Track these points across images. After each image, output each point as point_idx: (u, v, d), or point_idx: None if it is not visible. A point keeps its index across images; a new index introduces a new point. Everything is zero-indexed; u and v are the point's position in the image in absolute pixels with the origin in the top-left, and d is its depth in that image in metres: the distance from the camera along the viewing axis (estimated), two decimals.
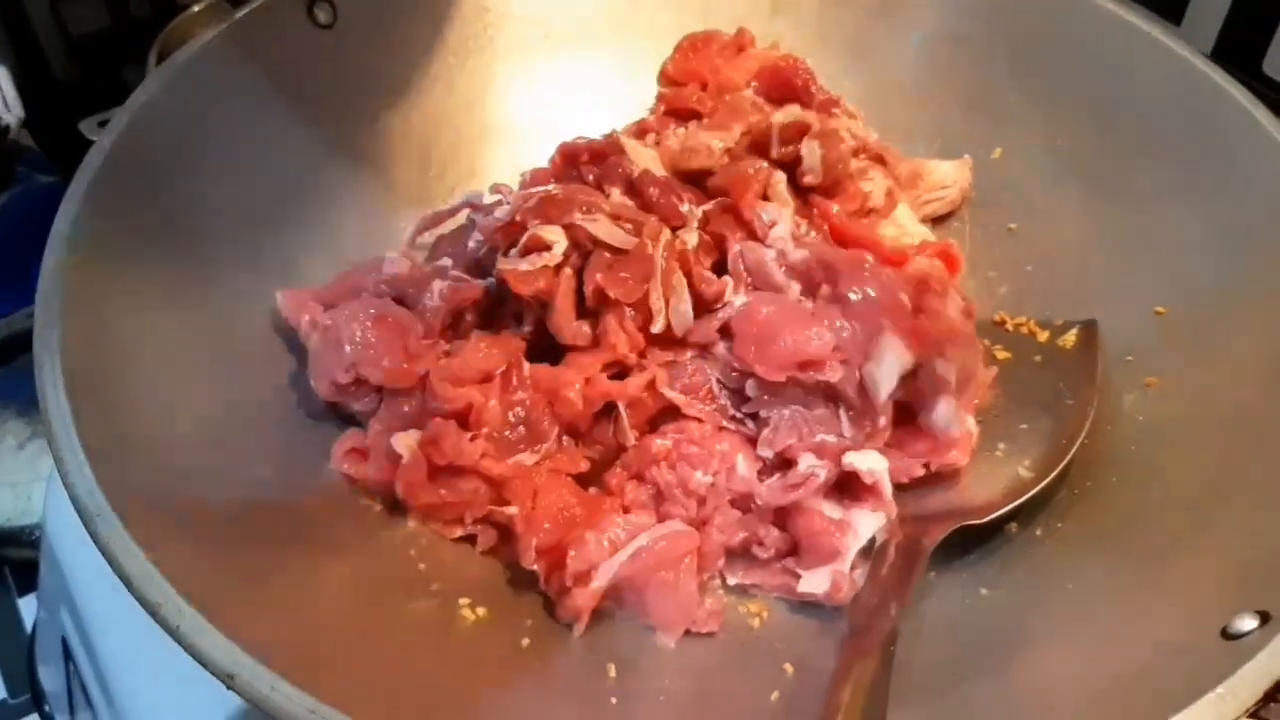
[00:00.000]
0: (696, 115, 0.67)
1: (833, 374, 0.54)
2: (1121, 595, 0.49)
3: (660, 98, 0.71)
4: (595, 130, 0.71)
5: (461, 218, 0.65)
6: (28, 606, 0.83)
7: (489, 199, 0.65)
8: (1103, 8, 0.67)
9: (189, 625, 0.41)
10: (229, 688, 0.41)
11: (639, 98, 0.74)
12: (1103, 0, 0.67)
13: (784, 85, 0.69)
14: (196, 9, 0.93)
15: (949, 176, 0.68)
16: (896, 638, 0.49)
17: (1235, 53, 0.74)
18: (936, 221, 0.69)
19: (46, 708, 0.77)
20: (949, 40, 0.71)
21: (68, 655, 0.69)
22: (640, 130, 0.67)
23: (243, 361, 0.58)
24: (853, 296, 0.53)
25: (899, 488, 0.55)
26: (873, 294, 0.53)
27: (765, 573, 0.55)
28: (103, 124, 1.09)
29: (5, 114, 0.87)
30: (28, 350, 0.91)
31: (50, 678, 0.77)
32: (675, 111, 0.68)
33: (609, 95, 0.74)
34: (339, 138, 0.66)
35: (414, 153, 0.69)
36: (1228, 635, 0.43)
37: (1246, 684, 0.39)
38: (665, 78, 0.74)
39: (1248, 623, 0.42)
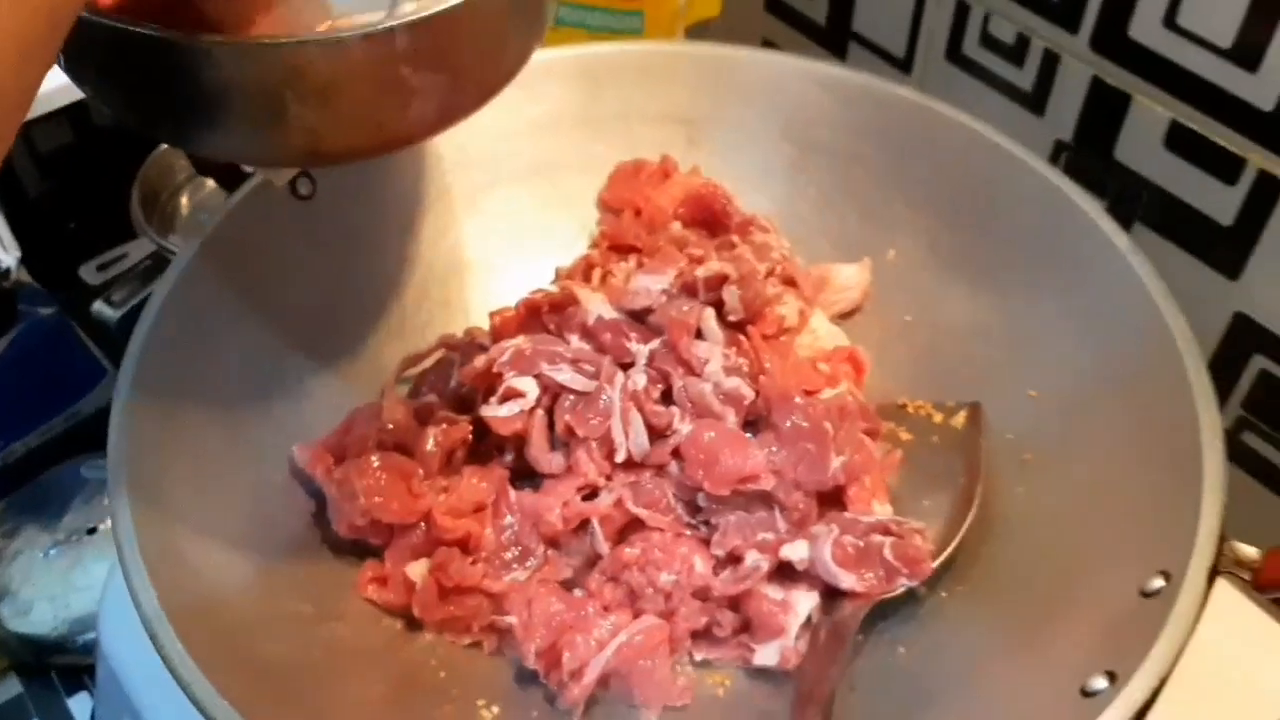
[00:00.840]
0: (634, 249, 0.78)
1: (767, 484, 0.66)
2: (1007, 653, 0.61)
3: (602, 234, 0.81)
4: (545, 256, 0.82)
5: (437, 353, 0.76)
6: (75, 704, 0.93)
7: (459, 336, 0.76)
8: (970, 128, 0.77)
9: None
10: None
11: (579, 221, 0.85)
12: (970, 121, 0.78)
13: (706, 209, 0.81)
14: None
15: (852, 279, 0.80)
16: (833, 697, 0.61)
17: (1091, 141, 0.86)
18: (844, 317, 0.81)
19: None
20: (845, 158, 0.82)
21: None
22: (587, 265, 0.78)
23: (273, 509, 0.68)
24: (786, 424, 0.66)
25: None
26: (804, 424, 0.65)
27: (725, 649, 0.66)
28: (101, 267, 1.19)
29: (4, 256, 0.96)
30: (44, 468, 1.01)
31: None
32: (616, 247, 0.79)
33: (553, 222, 0.84)
34: (327, 291, 0.76)
35: (390, 294, 0.79)
36: (1085, 693, 0.54)
37: None
38: (603, 204, 0.85)
39: (1100, 682, 0.53)
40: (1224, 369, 0.83)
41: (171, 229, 1.02)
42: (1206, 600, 0.55)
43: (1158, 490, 0.62)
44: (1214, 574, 0.56)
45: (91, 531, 0.97)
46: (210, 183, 1.03)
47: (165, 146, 1.01)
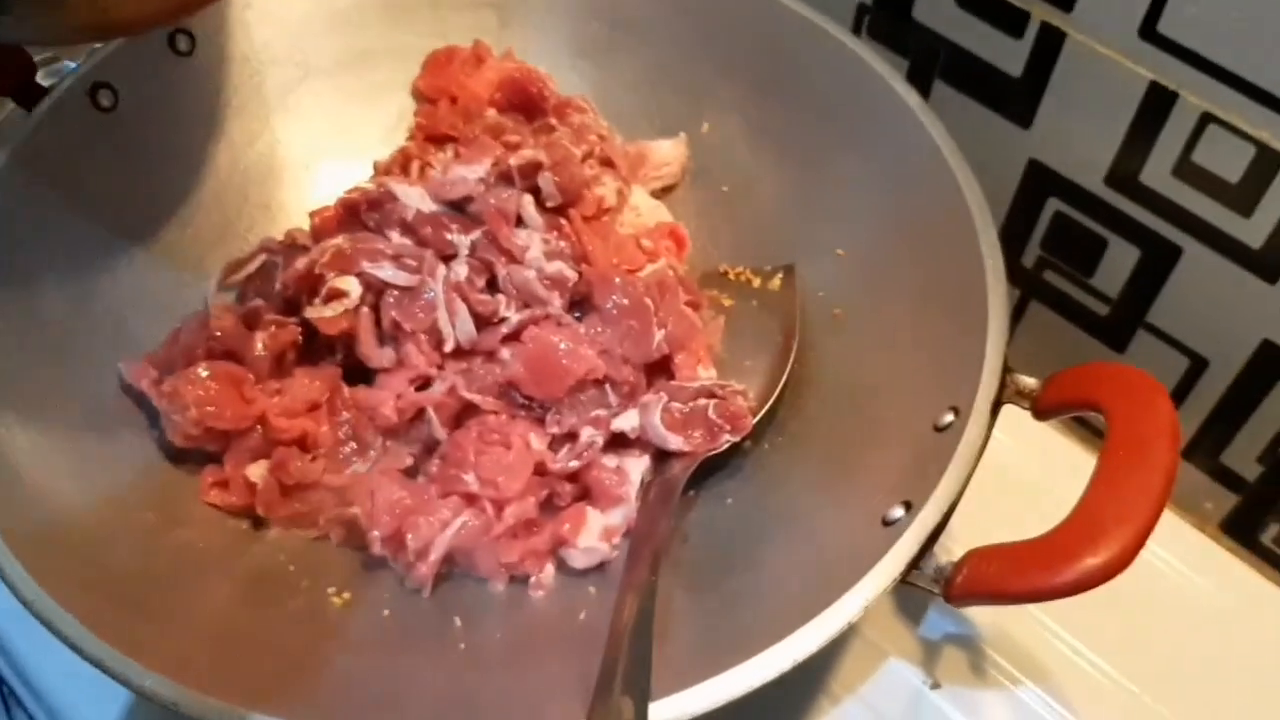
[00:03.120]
0: (451, 138, 0.78)
1: (598, 373, 0.68)
2: (820, 494, 0.66)
3: (417, 125, 0.81)
4: (364, 151, 0.82)
5: (260, 258, 0.76)
6: None
7: (280, 239, 0.76)
8: (780, 6, 0.79)
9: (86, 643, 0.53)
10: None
11: (396, 113, 0.85)
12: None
13: (522, 93, 0.81)
14: None
15: (669, 154, 0.82)
16: (661, 548, 0.65)
17: (890, 3, 0.89)
18: (665, 192, 0.83)
19: None
20: (656, 34, 0.83)
21: None
22: (405, 158, 0.78)
23: (107, 421, 0.69)
24: (609, 305, 0.68)
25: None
26: (625, 302, 0.68)
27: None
28: None
29: None
30: None
31: None
32: (433, 137, 0.79)
33: (368, 116, 0.84)
34: (142, 203, 0.75)
35: (209, 201, 0.79)
36: (886, 523, 0.59)
37: (894, 561, 0.56)
38: (417, 92, 0.84)
39: (898, 511, 0.58)
40: (1023, 214, 0.88)
41: None
42: (991, 429, 0.60)
43: (951, 335, 0.66)
44: (998, 405, 0.61)
45: None
46: (9, 103, 0.98)
47: None
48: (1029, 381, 0.63)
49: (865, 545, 0.58)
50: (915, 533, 0.57)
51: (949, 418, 0.62)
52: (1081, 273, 0.89)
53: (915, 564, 0.56)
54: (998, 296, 0.65)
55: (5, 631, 0.77)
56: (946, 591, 0.56)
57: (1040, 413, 0.62)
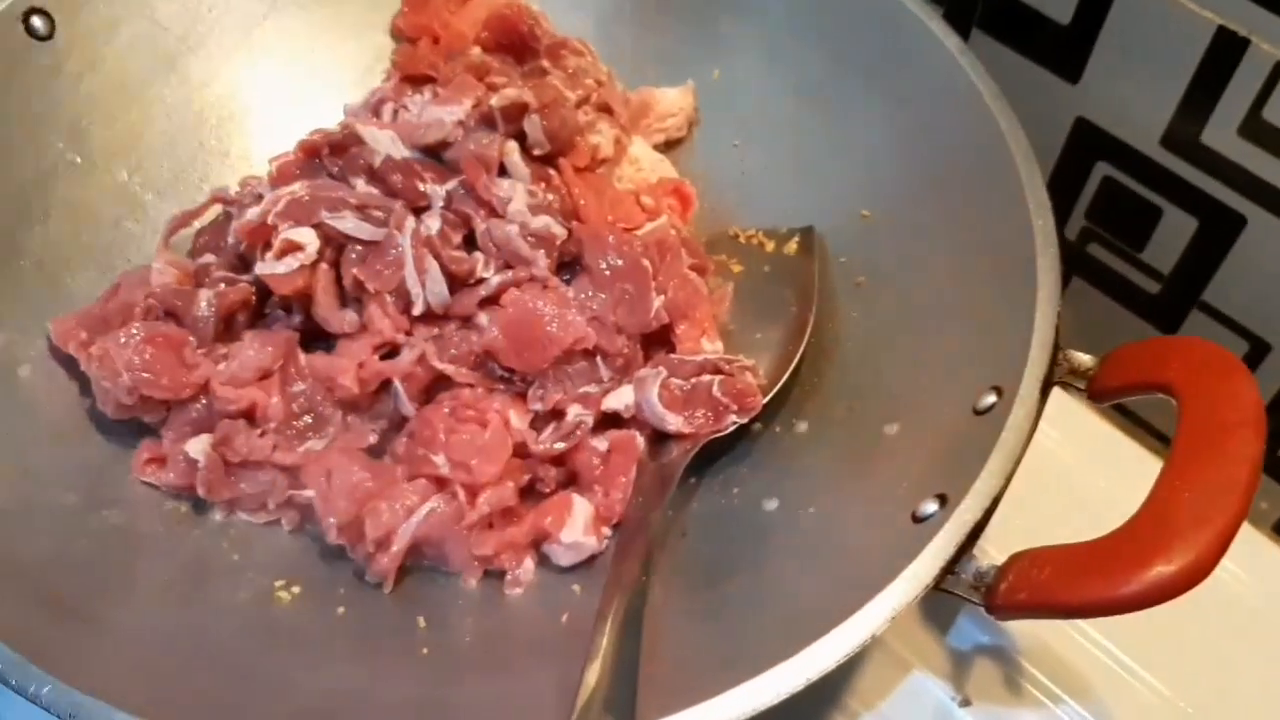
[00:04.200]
0: (430, 80, 0.70)
1: (588, 342, 0.60)
2: (840, 486, 0.58)
3: (394, 65, 0.73)
4: (334, 95, 0.74)
5: (214, 211, 0.68)
6: None
7: (235, 190, 0.68)
8: None
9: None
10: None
11: (372, 53, 0.77)
12: None
13: (511, 32, 0.73)
14: None
15: (675, 104, 0.74)
16: (657, 546, 0.57)
17: None
18: (669, 146, 0.75)
19: None
20: None
21: None
22: (379, 101, 0.70)
23: (27, 390, 0.61)
24: (601, 266, 0.60)
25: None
26: (619, 263, 0.60)
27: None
28: None
29: None
30: None
31: None
32: (410, 78, 0.71)
33: (341, 56, 0.76)
34: (83, 141, 0.67)
35: (160, 145, 0.71)
36: (916, 519, 0.51)
37: (927, 564, 0.48)
38: (396, 31, 0.76)
39: (931, 506, 0.51)
40: (1068, 179, 0.80)
41: None
42: (1040, 412, 0.52)
43: (992, 305, 0.59)
44: (1048, 385, 0.53)
45: None
46: None
47: None
48: (1084, 359, 0.55)
49: (892, 544, 0.51)
50: (952, 531, 0.49)
51: (990, 399, 0.54)
52: (1131, 246, 0.81)
53: (951, 567, 0.49)
54: (1048, 260, 0.57)
55: None
56: (988, 600, 0.48)
57: (1097, 394, 0.54)
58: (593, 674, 0.48)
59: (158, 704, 0.47)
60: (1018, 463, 0.51)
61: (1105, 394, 0.54)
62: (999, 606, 0.48)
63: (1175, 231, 0.78)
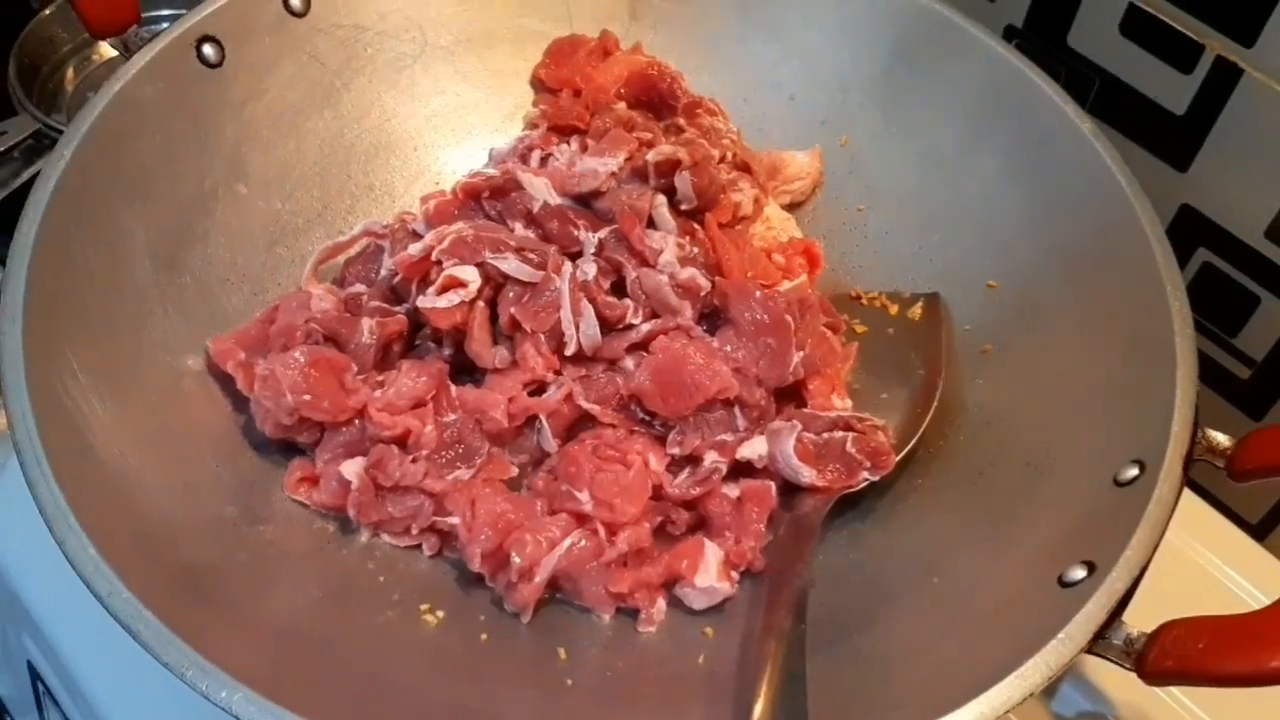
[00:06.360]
0: (577, 130, 0.73)
1: (731, 392, 0.62)
2: (973, 548, 0.60)
3: (542, 113, 0.75)
4: (475, 138, 0.77)
5: (362, 243, 0.70)
6: None
7: (384, 223, 0.70)
8: (928, 7, 0.74)
9: (157, 640, 0.47)
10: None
11: (513, 101, 0.79)
12: (930, 3, 0.74)
13: (651, 90, 0.76)
14: (48, 11, 0.93)
15: (804, 168, 0.76)
16: (805, 593, 0.59)
17: (1043, 26, 0.83)
18: (795, 206, 0.77)
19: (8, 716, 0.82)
20: (795, 36, 0.78)
21: (35, 673, 0.74)
22: (527, 148, 0.72)
23: (187, 405, 0.63)
24: (746, 319, 0.62)
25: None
26: (764, 318, 0.62)
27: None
28: None
29: None
30: None
31: (7, 684, 0.81)
32: (558, 128, 0.73)
33: (483, 101, 0.79)
34: (242, 167, 0.70)
35: (311, 175, 0.73)
36: (1063, 584, 0.53)
37: (1081, 628, 0.50)
38: (537, 81, 0.79)
39: (1079, 572, 0.52)
40: None
41: (55, 107, 0.92)
42: (1183, 487, 0.54)
43: (1125, 379, 0.60)
44: (1189, 461, 0.55)
45: None
46: (98, 55, 0.93)
47: (43, 14, 0.91)
48: (1220, 438, 0.57)
49: (1040, 608, 0.52)
50: (1103, 597, 0.50)
51: (1133, 471, 0.56)
52: (1225, 331, 0.83)
53: (1103, 632, 0.50)
54: (1185, 340, 0.59)
55: (50, 630, 0.70)
56: (1139, 666, 0.50)
57: (1238, 474, 0.56)
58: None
59: (300, 695, 0.48)
60: (1162, 534, 0.53)
61: (1245, 474, 0.56)
62: (1150, 672, 0.49)
63: (1271, 320, 0.80)
